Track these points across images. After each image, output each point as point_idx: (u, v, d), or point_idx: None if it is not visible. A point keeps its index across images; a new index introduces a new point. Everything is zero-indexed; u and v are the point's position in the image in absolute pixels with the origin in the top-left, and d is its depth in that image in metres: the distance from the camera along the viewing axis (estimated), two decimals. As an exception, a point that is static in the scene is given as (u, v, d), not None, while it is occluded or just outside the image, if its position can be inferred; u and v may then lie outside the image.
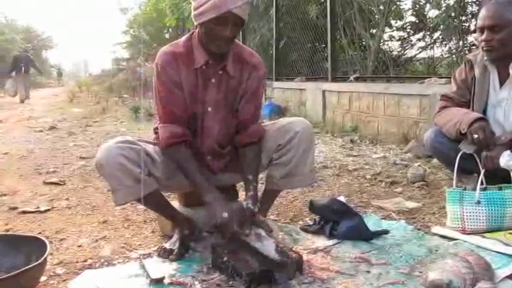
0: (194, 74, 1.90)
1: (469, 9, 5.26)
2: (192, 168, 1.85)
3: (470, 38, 5.16)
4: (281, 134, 1.96)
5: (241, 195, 2.40)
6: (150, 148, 1.88)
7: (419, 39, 6.38)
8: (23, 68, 14.12)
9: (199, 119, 1.95)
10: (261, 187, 2.16)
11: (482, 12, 2.14)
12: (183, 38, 1.96)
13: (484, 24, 2.10)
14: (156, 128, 1.99)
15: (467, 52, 4.70)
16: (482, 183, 2.07)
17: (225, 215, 1.72)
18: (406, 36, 6.65)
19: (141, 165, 1.77)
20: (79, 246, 2.10)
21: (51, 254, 1.93)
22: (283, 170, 1.96)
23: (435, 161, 3.30)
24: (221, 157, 2.03)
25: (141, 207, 2.48)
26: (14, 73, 14.18)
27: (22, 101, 13.50)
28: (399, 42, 6.72)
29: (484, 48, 2.13)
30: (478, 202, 2.03)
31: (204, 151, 1.99)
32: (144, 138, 2.01)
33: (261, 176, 2.29)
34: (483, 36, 2.11)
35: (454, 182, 2.16)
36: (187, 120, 1.92)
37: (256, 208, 1.83)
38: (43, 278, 1.71)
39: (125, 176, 1.72)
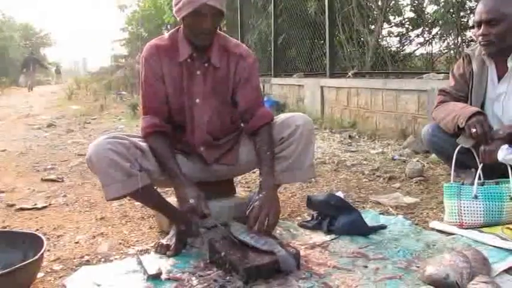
0: (179, 67, 1.94)
1: (468, 4, 5.25)
2: (165, 155, 1.86)
3: (469, 34, 5.16)
4: (283, 127, 1.96)
5: (239, 191, 2.41)
6: (142, 141, 1.88)
7: (417, 35, 6.37)
8: (31, 67, 19.89)
9: (188, 110, 1.97)
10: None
11: (479, 7, 2.14)
12: (169, 33, 2.01)
13: (481, 18, 2.10)
14: None
15: (465, 47, 4.70)
16: (479, 178, 2.07)
17: (192, 201, 1.74)
18: (404, 32, 6.64)
19: (132, 160, 1.77)
20: (76, 242, 2.09)
21: (48, 250, 1.93)
22: (284, 164, 1.96)
23: (433, 156, 3.30)
24: (215, 148, 2.04)
25: (138, 203, 2.48)
26: (24, 70, 20.28)
27: (28, 90, 18.65)
28: (398, 38, 6.71)
29: (482, 43, 2.13)
30: (476, 197, 2.02)
31: (196, 142, 2.00)
32: (135, 134, 2.01)
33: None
34: (480, 31, 2.10)
35: (452, 177, 2.16)
36: (166, 112, 1.96)
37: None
38: (40, 275, 1.71)
39: (114, 170, 1.72)
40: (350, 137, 4.77)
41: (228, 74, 1.99)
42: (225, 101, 2.02)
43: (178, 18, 1.87)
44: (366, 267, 1.71)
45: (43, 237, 1.72)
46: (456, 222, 2.06)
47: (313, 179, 2.85)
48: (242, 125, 2.10)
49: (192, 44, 1.91)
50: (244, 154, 2.06)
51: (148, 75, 1.95)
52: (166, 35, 2.01)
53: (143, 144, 1.86)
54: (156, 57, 1.93)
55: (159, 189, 2.01)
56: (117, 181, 1.74)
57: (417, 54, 6.60)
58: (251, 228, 1.76)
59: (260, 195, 1.81)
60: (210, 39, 1.90)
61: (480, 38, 2.12)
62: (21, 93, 17.44)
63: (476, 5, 2.23)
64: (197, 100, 1.97)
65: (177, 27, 2.00)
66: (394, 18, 6.70)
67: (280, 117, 2.03)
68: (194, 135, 2.00)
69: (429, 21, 5.90)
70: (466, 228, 2.01)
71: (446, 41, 5.69)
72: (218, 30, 1.98)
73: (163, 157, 1.86)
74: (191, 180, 1.83)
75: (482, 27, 2.10)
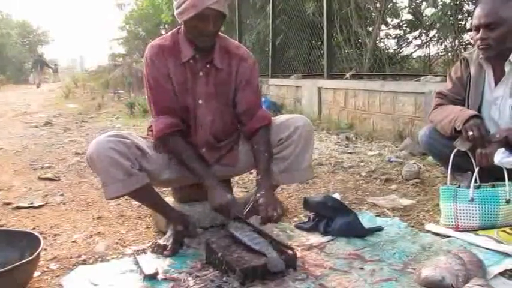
0: (182, 67, 1.95)
1: (465, 7, 5.27)
2: (191, 155, 1.89)
3: (466, 36, 5.17)
4: (282, 128, 1.98)
5: (236, 192, 2.41)
6: (142, 142, 1.89)
7: (415, 37, 6.39)
8: (39, 67, 23.42)
9: (192, 111, 1.98)
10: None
11: (478, 11, 2.14)
12: (170, 33, 2.02)
13: (480, 22, 2.10)
14: (151, 127, 2.00)
15: (463, 50, 4.72)
16: (476, 181, 2.08)
17: (230, 196, 1.80)
18: (402, 34, 6.65)
19: (133, 159, 1.77)
20: (73, 241, 2.10)
21: (44, 249, 1.93)
22: (282, 165, 1.97)
23: (430, 158, 3.31)
24: (216, 150, 2.04)
25: (135, 203, 2.48)
26: (33, 70, 24.06)
27: (37, 86, 20.80)
28: (395, 40, 6.72)
29: (480, 47, 2.13)
30: (472, 200, 2.03)
31: (198, 143, 2.00)
32: (133, 132, 2.02)
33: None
34: (479, 35, 2.11)
35: (448, 180, 2.17)
36: (178, 111, 1.96)
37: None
38: (37, 274, 1.71)
39: (115, 169, 1.73)
40: (347, 138, 4.77)
41: (230, 76, 2.00)
42: (228, 102, 2.02)
43: (180, 21, 1.88)
44: (362, 269, 1.71)
45: (40, 236, 1.72)
46: (452, 224, 2.07)
47: (310, 180, 2.86)
48: (239, 126, 2.10)
49: (193, 45, 1.92)
50: (244, 155, 2.07)
51: (157, 75, 1.94)
52: (168, 35, 2.01)
53: (143, 145, 1.87)
54: (162, 57, 1.93)
55: (157, 189, 2.01)
56: (117, 180, 1.74)
57: (415, 57, 6.61)
58: (265, 224, 1.80)
59: (261, 192, 1.83)
60: (212, 40, 1.92)
61: (479, 42, 2.12)
62: (19, 91, 17.44)
63: (474, 9, 2.23)
64: (200, 101, 1.97)
65: (177, 28, 2.00)
66: (392, 20, 6.71)
67: (280, 119, 2.04)
68: (197, 136, 2.00)
69: (427, 23, 5.91)
70: (462, 231, 2.02)
71: (443, 44, 5.71)
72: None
73: (189, 158, 1.89)
74: (221, 183, 1.89)
75: (481, 31, 2.10)
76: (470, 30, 2.22)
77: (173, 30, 2.01)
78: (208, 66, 1.96)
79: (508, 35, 2.08)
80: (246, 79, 2.01)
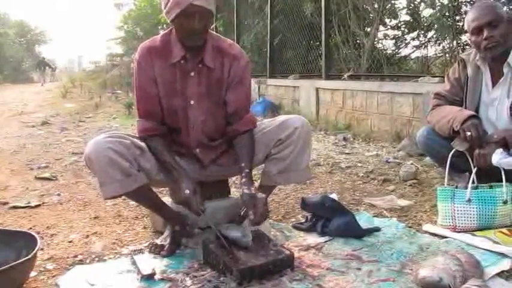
0: (172, 68, 1.93)
1: (463, 8, 5.27)
2: (162, 152, 1.88)
3: (464, 38, 5.18)
4: (281, 129, 1.97)
5: (233, 191, 2.40)
6: (140, 141, 1.88)
7: (413, 38, 6.39)
8: (42, 68, 26.08)
9: (182, 112, 1.97)
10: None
11: (474, 13, 2.15)
12: (162, 34, 2.01)
13: (481, 22, 2.10)
14: None
15: (460, 51, 4.72)
16: (473, 182, 2.08)
17: (187, 191, 1.75)
18: (400, 34, 6.66)
19: (131, 159, 1.77)
20: (70, 241, 2.09)
21: (41, 249, 1.92)
22: (280, 165, 1.97)
23: (427, 159, 3.32)
24: (211, 150, 2.04)
25: (133, 203, 2.47)
26: (37, 70, 26.91)
27: (42, 85, 22.62)
28: (393, 41, 6.72)
29: (489, 45, 2.10)
30: (469, 200, 2.04)
31: (191, 144, 1.99)
32: (131, 133, 2.01)
33: (254, 172, 2.29)
34: (485, 34, 2.09)
35: (446, 180, 2.17)
36: (160, 114, 1.96)
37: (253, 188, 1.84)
38: (33, 274, 1.70)
39: (113, 169, 1.72)
40: (345, 139, 4.78)
41: (222, 75, 1.97)
42: (220, 102, 2.00)
43: (169, 21, 1.87)
44: (360, 269, 1.71)
45: (36, 236, 1.71)
46: (449, 225, 2.07)
47: (308, 181, 2.86)
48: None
49: (184, 45, 1.90)
50: None
51: (141, 78, 1.94)
52: (159, 36, 2.00)
53: (141, 143, 1.87)
54: (148, 59, 1.92)
55: (154, 189, 2.01)
56: (115, 180, 1.73)
57: (412, 58, 6.62)
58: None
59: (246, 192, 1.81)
60: (201, 39, 1.89)
61: (485, 42, 2.10)
62: (16, 90, 17.43)
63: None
64: (192, 101, 1.96)
65: (170, 28, 1.99)
66: (390, 21, 6.71)
67: (279, 119, 2.03)
68: (189, 137, 1.99)
69: (425, 24, 5.91)
70: (459, 232, 2.03)
71: (441, 45, 5.71)
72: (212, 31, 1.98)
73: (161, 154, 1.87)
74: (189, 175, 1.84)
75: (485, 30, 2.09)
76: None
77: (166, 31, 2.00)
78: (200, 66, 1.94)
79: (509, 32, 2.09)
80: (237, 80, 1.98)
